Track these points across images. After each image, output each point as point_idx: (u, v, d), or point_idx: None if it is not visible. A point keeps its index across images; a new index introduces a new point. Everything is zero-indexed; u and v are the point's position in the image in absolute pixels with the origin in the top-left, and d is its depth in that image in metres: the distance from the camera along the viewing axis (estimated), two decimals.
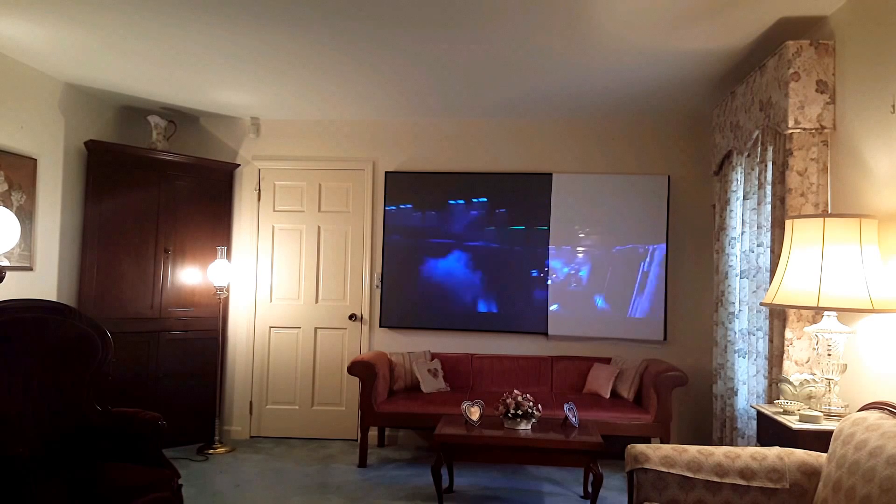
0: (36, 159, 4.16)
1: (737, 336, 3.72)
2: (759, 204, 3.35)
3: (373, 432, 4.96)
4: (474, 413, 3.80)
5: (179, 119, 5.21)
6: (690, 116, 4.93)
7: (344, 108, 4.94)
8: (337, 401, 5.21)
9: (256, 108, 5.02)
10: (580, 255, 4.99)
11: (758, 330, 3.39)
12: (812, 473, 2.28)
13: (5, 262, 3.60)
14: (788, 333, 3.04)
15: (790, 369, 3.02)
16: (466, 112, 4.99)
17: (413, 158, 5.23)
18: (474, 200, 5.11)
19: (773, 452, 2.37)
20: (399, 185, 5.17)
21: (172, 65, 4.01)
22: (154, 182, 4.79)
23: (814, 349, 2.92)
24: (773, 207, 3.18)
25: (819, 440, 2.46)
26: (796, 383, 2.80)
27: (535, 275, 5.03)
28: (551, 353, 5.01)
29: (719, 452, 2.39)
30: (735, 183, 3.86)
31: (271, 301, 5.28)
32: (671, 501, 2.34)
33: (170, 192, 4.86)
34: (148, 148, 4.87)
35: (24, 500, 2.39)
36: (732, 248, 3.85)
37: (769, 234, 3.23)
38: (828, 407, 2.64)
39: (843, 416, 2.38)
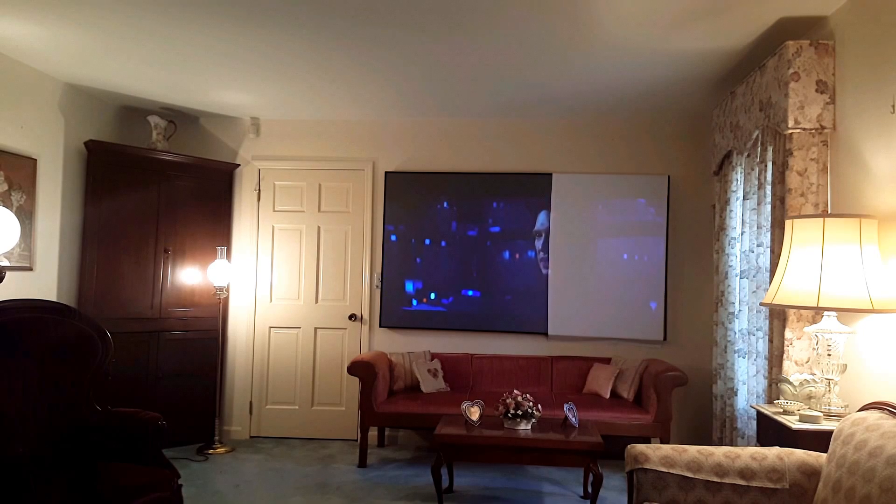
0: (36, 159, 4.16)
1: (737, 336, 3.72)
2: (758, 204, 3.35)
3: (373, 432, 4.97)
4: (474, 413, 3.80)
5: (179, 119, 5.21)
6: (690, 116, 4.93)
7: (344, 108, 4.94)
8: (337, 401, 5.21)
9: (256, 108, 5.02)
10: (580, 255, 4.99)
11: (758, 330, 3.39)
12: (812, 473, 2.28)
13: (5, 262, 3.60)
14: (788, 333, 3.04)
15: (790, 369, 3.02)
16: (466, 112, 4.99)
17: (413, 158, 5.23)
18: (474, 200, 5.11)
19: (772, 452, 2.37)
20: (399, 185, 5.17)
21: (172, 65, 4.01)
22: (154, 182, 4.79)
23: (814, 349, 2.92)
24: (773, 207, 3.18)
25: (819, 440, 2.46)
26: (796, 383, 2.80)
27: (534, 274, 5.03)
28: (551, 353, 5.01)
29: (719, 452, 2.39)
30: (735, 183, 3.86)
31: (271, 301, 5.28)
32: (671, 501, 2.34)
33: (170, 192, 4.86)
34: (148, 148, 4.87)
35: (24, 499, 2.39)
36: (732, 248, 3.85)
37: (769, 234, 3.23)
38: (828, 407, 2.64)
39: (843, 416, 2.38)
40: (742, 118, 3.64)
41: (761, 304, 2.81)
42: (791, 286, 2.57)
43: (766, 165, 3.28)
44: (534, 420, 3.71)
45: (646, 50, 3.57)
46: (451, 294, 5.11)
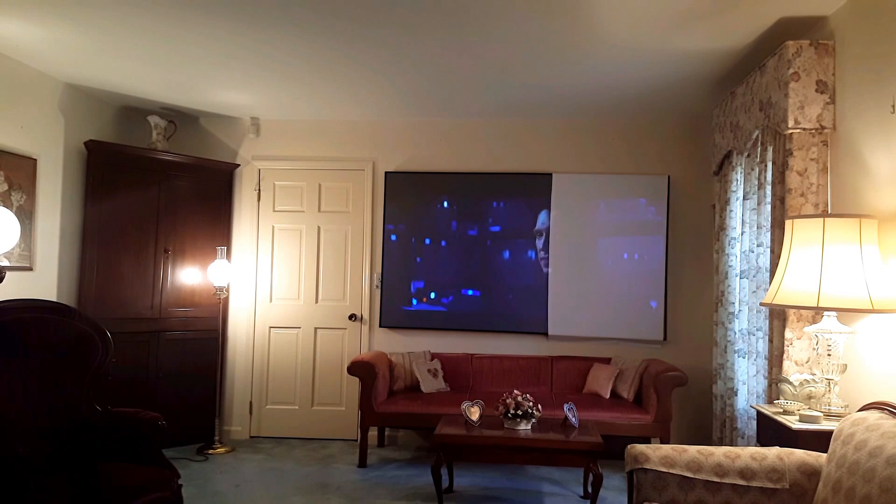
0: (36, 159, 4.16)
1: (737, 336, 3.72)
2: (758, 204, 3.35)
3: (373, 432, 4.97)
4: (474, 413, 3.80)
5: (179, 119, 5.21)
6: (690, 116, 4.93)
7: (344, 108, 4.94)
8: (337, 401, 5.21)
9: (256, 108, 5.02)
10: (580, 255, 4.99)
11: (758, 330, 3.39)
12: (812, 473, 2.28)
13: (5, 262, 3.61)
14: (788, 333, 3.04)
15: (790, 369, 3.02)
16: (466, 112, 4.99)
17: (413, 158, 5.23)
18: (474, 200, 5.10)
19: (772, 452, 2.37)
20: (399, 185, 5.17)
21: (172, 65, 4.01)
22: (154, 182, 4.79)
23: (814, 349, 2.93)
24: (773, 207, 3.18)
25: (819, 440, 2.46)
26: (796, 383, 2.80)
27: (535, 274, 5.03)
28: (551, 353, 5.00)
29: (719, 452, 2.39)
30: (735, 183, 3.86)
31: (271, 301, 5.28)
32: (671, 501, 2.34)
33: (170, 192, 4.86)
34: (148, 148, 4.87)
35: (24, 499, 2.39)
36: (732, 248, 3.85)
37: (769, 234, 3.23)
38: (828, 407, 2.64)
39: (843, 416, 2.38)
40: (742, 118, 3.64)
41: (761, 304, 2.81)
42: (791, 286, 2.56)
43: (766, 165, 3.28)
44: (534, 420, 3.71)
45: (646, 50, 3.57)
46: (451, 293, 5.11)
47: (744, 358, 3.64)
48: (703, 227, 4.89)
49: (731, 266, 3.85)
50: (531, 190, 5.05)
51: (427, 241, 5.14)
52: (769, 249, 3.23)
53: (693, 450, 2.42)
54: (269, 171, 5.31)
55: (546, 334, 5.01)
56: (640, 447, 2.45)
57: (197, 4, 3.11)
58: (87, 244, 4.53)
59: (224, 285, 4.88)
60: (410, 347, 5.11)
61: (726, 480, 2.32)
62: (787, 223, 2.69)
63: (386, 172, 5.20)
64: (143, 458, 2.94)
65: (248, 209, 5.31)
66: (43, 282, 4.24)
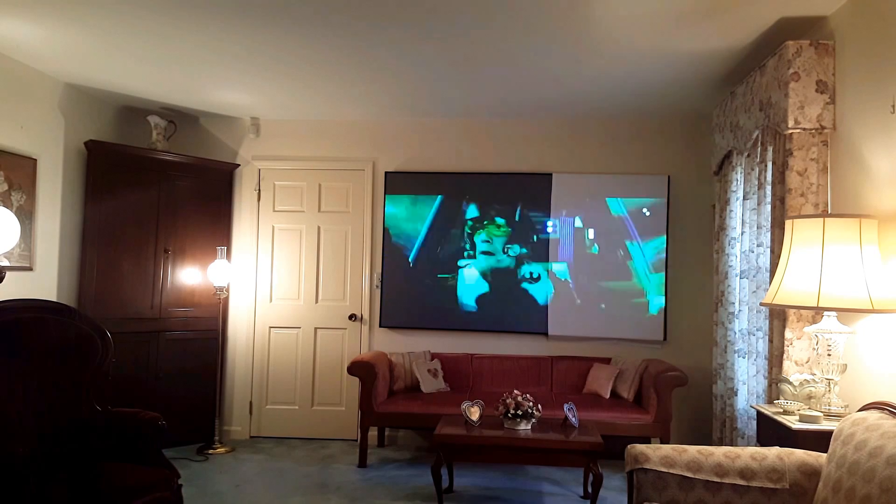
0: (36, 159, 4.16)
1: (737, 336, 3.72)
2: (759, 204, 3.35)
3: (373, 432, 4.96)
4: (474, 413, 3.80)
5: (179, 119, 5.21)
6: (690, 116, 4.93)
7: (344, 108, 4.94)
8: (337, 401, 5.21)
9: (256, 108, 5.02)
10: (580, 255, 4.99)
11: (758, 330, 3.39)
12: (812, 473, 2.28)
13: (5, 262, 3.60)
14: (788, 333, 3.04)
15: (790, 369, 3.02)
16: (466, 112, 4.99)
17: (413, 158, 5.23)
18: (474, 200, 5.10)
19: (772, 452, 2.37)
20: (399, 186, 5.17)
21: (172, 65, 4.01)
22: (154, 182, 4.79)
23: (814, 349, 2.93)
24: (773, 207, 3.18)
25: (819, 440, 2.46)
26: (796, 383, 2.80)
27: (535, 274, 5.03)
28: (551, 353, 5.00)
29: (719, 452, 2.39)
30: (735, 183, 3.86)
31: (271, 301, 5.28)
32: (671, 501, 2.34)
33: (170, 192, 4.86)
34: (148, 148, 4.87)
35: (24, 499, 2.39)
36: (732, 248, 3.85)
37: (769, 234, 3.23)
38: (828, 407, 2.64)
39: (843, 416, 2.38)
40: (742, 118, 3.64)
41: (761, 304, 2.81)
42: (791, 286, 2.56)
43: (766, 165, 3.28)
44: (534, 420, 3.71)
45: (646, 50, 3.57)
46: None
47: (744, 358, 3.64)
48: (703, 227, 4.89)
49: (731, 266, 3.85)
50: (531, 189, 5.05)
51: (427, 240, 5.14)
52: (769, 249, 3.23)
53: (693, 450, 2.42)
54: (269, 171, 5.31)
55: (546, 334, 5.01)
56: (640, 447, 2.45)
57: (197, 4, 3.11)
58: (87, 244, 4.53)
59: (224, 285, 4.88)
60: (410, 347, 5.11)
61: (726, 480, 2.32)
62: (787, 223, 2.69)
63: (386, 172, 5.20)
64: (143, 459, 2.93)
65: (248, 209, 5.31)
66: (43, 282, 4.24)
